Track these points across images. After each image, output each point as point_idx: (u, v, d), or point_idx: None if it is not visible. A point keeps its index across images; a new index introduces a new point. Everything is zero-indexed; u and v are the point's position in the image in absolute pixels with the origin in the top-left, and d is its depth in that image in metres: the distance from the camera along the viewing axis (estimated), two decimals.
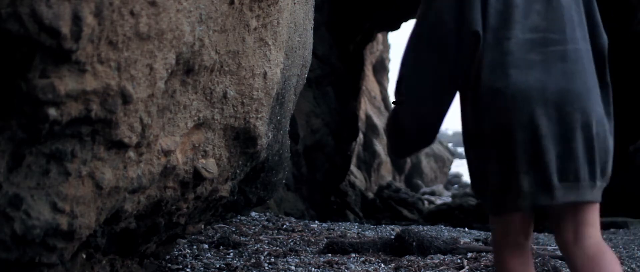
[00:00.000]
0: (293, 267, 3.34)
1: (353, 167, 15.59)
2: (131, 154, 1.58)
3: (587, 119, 1.64)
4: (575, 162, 1.62)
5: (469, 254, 3.79)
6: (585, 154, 1.63)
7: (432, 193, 19.82)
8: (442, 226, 6.48)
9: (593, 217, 1.70)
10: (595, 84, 1.71)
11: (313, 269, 3.34)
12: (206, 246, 3.72)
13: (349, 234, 4.70)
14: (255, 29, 1.91)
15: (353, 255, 3.77)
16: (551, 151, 1.61)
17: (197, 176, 1.93)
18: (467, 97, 1.76)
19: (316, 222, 5.70)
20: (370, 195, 15.01)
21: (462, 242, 4.05)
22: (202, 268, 3.18)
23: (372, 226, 5.87)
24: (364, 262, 3.59)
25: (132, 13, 1.34)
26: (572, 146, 1.62)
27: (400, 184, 19.31)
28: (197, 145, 1.89)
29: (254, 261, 3.43)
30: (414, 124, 1.88)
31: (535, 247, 3.99)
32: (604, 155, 1.68)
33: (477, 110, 1.72)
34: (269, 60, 2.01)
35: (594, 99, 1.67)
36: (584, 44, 1.72)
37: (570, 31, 1.70)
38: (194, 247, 3.67)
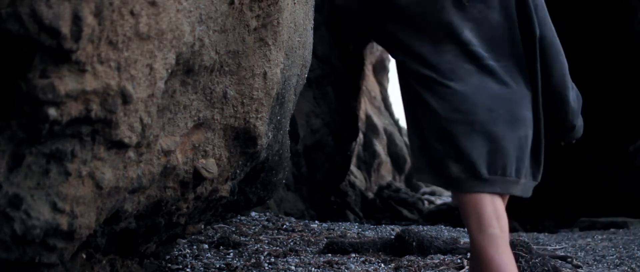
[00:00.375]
0: (293, 267, 3.34)
1: (353, 167, 15.60)
2: (131, 154, 1.58)
3: (516, 123, 1.85)
4: (503, 159, 1.84)
5: (469, 254, 3.79)
6: (515, 153, 1.86)
7: (432, 193, 19.82)
8: (442, 226, 6.49)
9: (506, 203, 2.01)
10: (527, 93, 1.90)
11: (313, 269, 3.34)
12: (206, 246, 3.72)
13: (349, 234, 4.70)
14: (255, 29, 1.91)
15: (353, 255, 3.77)
16: (480, 146, 1.82)
17: (197, 176, 1.93)
18: (410, 85, 1.92)
19: (316, 222, 5.71)
20: (370, 195, 15.03)
21: (462, 242, 4.05)
22: (202, 268, 3.18)
23: (372, 226, 5.87)
24: (364, 262, 3.59)
25: (132, 13, 1.34)
26: (502, 145, 1.83)
27: (400, 184, 19.33)
28: (197, 145, 1.89)
29: (254, 261, 3.43)
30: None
31: (535, 247, 3.99)
32: (534, 156, 1.91)
33: (423, 97, 1.89)
34: (269, 60, 2.01)
35: (524, 104, 1.89)
36: (514, 59, 1.90)
37: (501, 49, 1.89)
38: (194, 247, 3.67)
